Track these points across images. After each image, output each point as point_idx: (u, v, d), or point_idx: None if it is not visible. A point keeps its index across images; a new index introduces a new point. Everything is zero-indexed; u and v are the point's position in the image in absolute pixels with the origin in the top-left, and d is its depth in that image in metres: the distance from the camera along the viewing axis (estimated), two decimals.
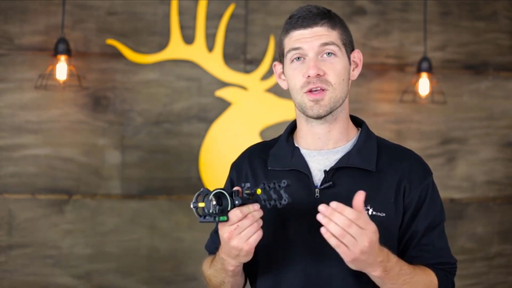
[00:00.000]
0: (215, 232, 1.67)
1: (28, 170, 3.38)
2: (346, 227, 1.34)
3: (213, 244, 1.66)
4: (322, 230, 1.36)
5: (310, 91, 1.54)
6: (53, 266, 3.38)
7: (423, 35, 3.60)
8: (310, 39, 1.54)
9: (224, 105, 3.51)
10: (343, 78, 1.56)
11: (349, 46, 1.59)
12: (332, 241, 1.36)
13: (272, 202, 1.41)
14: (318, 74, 1.53)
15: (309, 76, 1.53)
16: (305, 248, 1.54)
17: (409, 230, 1.56)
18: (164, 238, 3.45)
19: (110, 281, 3.42)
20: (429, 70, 3.51)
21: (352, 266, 1.41)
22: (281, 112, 3.48)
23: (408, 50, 3.66)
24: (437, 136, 3.67)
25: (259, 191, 1.42)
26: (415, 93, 3.54)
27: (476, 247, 3.68)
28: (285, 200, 1.39)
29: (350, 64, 1.59)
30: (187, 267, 3.46)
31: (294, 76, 1.56)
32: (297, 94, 1.56)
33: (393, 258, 1.45)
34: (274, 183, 1.40)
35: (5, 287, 3.34)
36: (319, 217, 1.36)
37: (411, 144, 3.59)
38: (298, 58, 1.56)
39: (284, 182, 1.39)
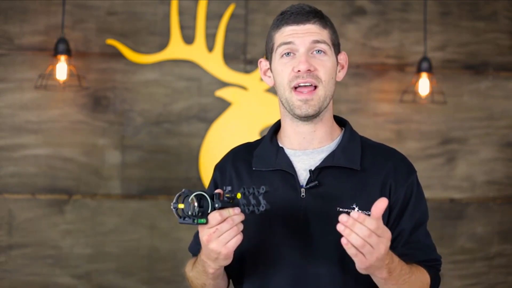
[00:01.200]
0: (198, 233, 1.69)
1: (28, 170, 3.38)
2: (367, 237, 1.34)
3: (196, 246, 1.65)
4: (343, 241, 1.35)
5: (298, 87, 1.54)
6: (53, 266, 3.38)
7: (423, 35, 3.60)
8: (302, 35, 1.55)
9: (224, 105, 3.51)
10: (332, 76, 1.57)
11: (337, 47, 1.60)
12: (351, 251, 1.36)
13: (251, 208, 1.40)
14: (309, 70, 1.53)
15: (299, 71, 1.53)
16: (291, 248, 1.53)
17: (397, 228, 1.56)
18: (164, 238, 3.45)
19: (110, 281, 3.42)
20: (429, 70, 3.50)
21: (363, 272, 1.41)
22: None
23: (408, 50, 3.66)
24: (437, 136, 3.67)
25: (239, 195, 1.41)
26: (415, 93, 3.54)
27: (476, 247, 3.67)
28: (263, 206, 1.38)
29: (337, 64, 1.60)
30: None
31: (283, 71, 1.56)
32: (285, 90, 1.56)
33: (396, 259, 1.45)
34: (253, 189, 1.39)
35: (5, 287, 3.34)
36: (340, 228, 1.34)
37: (411, 144, 3.59)
38: (288, 54, 1.56)
39: (262, 188, 1.38)
